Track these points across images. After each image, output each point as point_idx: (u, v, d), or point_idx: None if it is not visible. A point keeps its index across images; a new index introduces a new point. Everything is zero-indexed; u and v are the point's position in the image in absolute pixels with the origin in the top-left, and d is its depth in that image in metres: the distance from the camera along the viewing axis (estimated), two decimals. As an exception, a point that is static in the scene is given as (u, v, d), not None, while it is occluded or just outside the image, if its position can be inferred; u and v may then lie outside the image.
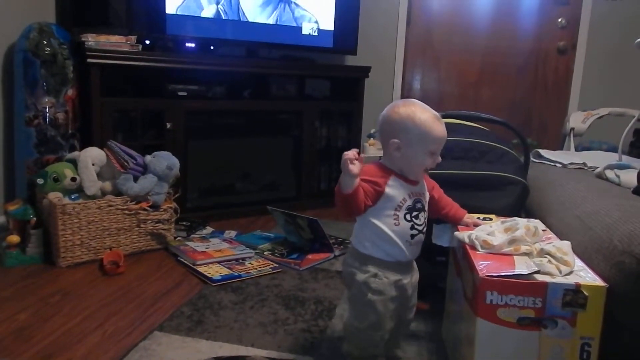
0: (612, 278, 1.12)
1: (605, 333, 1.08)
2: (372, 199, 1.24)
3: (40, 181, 2.16)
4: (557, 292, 1.07)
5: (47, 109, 2.36)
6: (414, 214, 1.28)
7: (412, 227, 1.27)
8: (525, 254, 1.17)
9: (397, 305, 1.31)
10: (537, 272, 1.09)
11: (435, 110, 1.31)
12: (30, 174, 2.35)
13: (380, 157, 3.35)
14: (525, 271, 1.09)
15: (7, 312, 1.69)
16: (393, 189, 1.26)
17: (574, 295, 1.06)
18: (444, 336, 1.56)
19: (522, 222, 1.29)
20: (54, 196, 2.11)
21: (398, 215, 1.26)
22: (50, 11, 2.67)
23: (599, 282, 1.08)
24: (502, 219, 1.40)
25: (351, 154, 1.17)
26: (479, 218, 1.43)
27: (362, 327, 1.30)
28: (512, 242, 1.20)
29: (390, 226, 1.26)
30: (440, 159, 1.29)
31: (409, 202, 1.28)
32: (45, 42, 2.33)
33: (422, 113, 1.25)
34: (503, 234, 1.25)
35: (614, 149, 2.46)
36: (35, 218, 2.14)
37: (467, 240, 1.26)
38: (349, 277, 1.32)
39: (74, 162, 2.23)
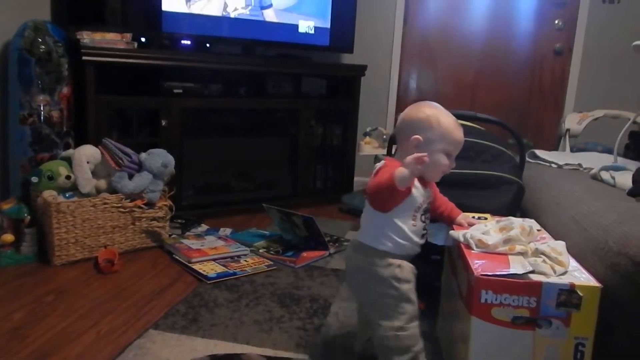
0: (607, 279, 1.13)
1: (599, 333, 1.09)
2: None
3: (34, 179, 2.15)
4: (551, 292, 1.07)
5: (42, 107, 2.35)
6: (427, 214, 1.33)
7: (424, 228, 1.32)
8: (520, 253, 1.17)
9: None
10: (532, 272, 1.09)
11: (432, 110, 1.33)
12: (24, 172, 2.34)
13: (376, 155, 3.34)
14: (520, 271, 1.09)
15: (2, 312, 1.68)
16: (416, 190, 1.28)
17: (569, 296, 1.07)
18: (439, 335, 1.57)
19: (517, 221, 1.29)
20: (49, 194, 2.11)
21: (416, 216, 1.29)
22: (45, 9, 2.65)
23: (593, 282, 1.08)
24: (497, 218, 1.41)
25: (425, 156, 1.16)
26: (473, 217, 1.43)
27: (401, 324, 1.26)
28: (507, 241, 1.21)
29: (410, 226, 1.28)
30: (454, 164, 1.32)
31: (425, 204, 1.31)
32: (40, 40, 2.32)
33: (445, 116, 1.31)
34: (498, 233, 1.26)
35: (609, 151, 2.47)
36: (29, 217, 2.13)
37: (462, 239, 1.27)
38: (367, 276, 1.29)
39: (68, 160, 2.22)
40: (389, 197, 1.21)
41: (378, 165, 1.30)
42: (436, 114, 1.29)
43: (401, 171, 1.16)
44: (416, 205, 1.28)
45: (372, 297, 1.30)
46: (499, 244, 1.20)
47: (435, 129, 1.28)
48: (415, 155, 1.14)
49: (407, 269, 1.28)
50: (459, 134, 1.30)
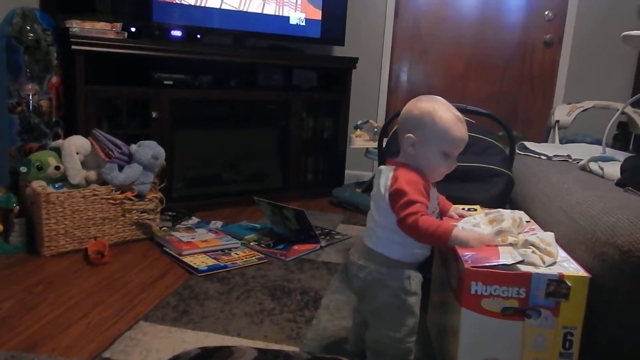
0: (595, 269, 1.14)
1: (588, 323, 1.10)
2: None
3: (23, 169, 2.14)
4: (540, 283, 1.08)
5: (31, 96, 2.33)
6: (437, 214, 1.30)
7: None
8: (510, 244, 1.18)
9: None
10: (522, 262, 1.10)
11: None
12: (13, 161, 2.32)
13: (367, 148, 3.34)
14: (510, 261, 1.10)
15: (-10, 302, 1.67)
16: (431, 193, 1.24)
17: (557, 286, 1.08)
18: (429, 326, 1.58)
19: (506, 213, 1.30)
20: (38, 185, 2.09)
21: None
22: (33, -4, 2.62)
23: (582, 272, 1.09)
24: (486, 210, 1.41)
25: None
26: (463, 209, 1.44)
27: (400, 335, 1.25)
28: (499, 233, 1.21)
29: None
30: (456, 164, 1.25)
31: (435, 204, 1.28)
32: (28, 28, 2.30)
33: (444, 112, 1.21)
34: (487, 225, 1.26)
35: (598, 142, 2.49)
36: (18, 206, 2.11)
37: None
38: (375, 285, 1.25)
39: (57, 151, 2.21)
40: (432, 241, 1.19)
41: (387, 172, 1.23)
42: (432, 111, 1.21)
43: (459, 237, 1.13)
44: (432, 208, 1.25)
45: (377, 305, 1.27)
46: (491, 235, 1.21)
47: (429, 127, 1.20)
48: (486, 240, 1.12)
49: (415, 281, 1.25)
50: (458, 132, 1.21)
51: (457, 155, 1.26)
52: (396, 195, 1.18)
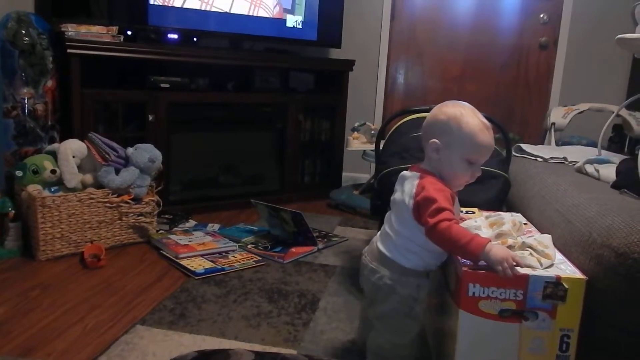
0: (591, 271, 1.14)
1: (584, 325, 1.10)
2: None
3: (19, 173, 2.13)
4: (538, 285, 1.08)
5: (26, 100, 2.32)
6: None
7: None
8: (510, 246, 1.18)
9: None
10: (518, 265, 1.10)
11: (419, 104, 1.30)
12: (8, 166, 2.31)
13: (364, 150, 3.35)
14: None
15: (-14, 306, 1.67)
16: (455, 204, 1.21)
17: (555, 288, 1.08)
18: (426, 328, 1.57)
19: (506, 216, 1.30)
20: (33, 189, 2.08)
21: None
22: (28, 0, 2.61)
23: (578, 275, 1.10)
24: (486, 213, 1.41)
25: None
26: (461, 212, 1.44)
27: (403, 341, 1.26)
28: (499, 236, 1.21)
29: None
30: (480, 172, 1.23)
31: (458, 215, 1.25)
32: (23, 32, 2.29)
33: (470, 117, 1.19)
34: (488, 228, 1.26)
35: (593, 144, 2.49)
36: (14, 211, 2.10)
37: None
38: (385, 290, 1.24)
39: (53, 155, 2.20)
40: (454, 251, 1.15)
41: (412, 179, 1.21)
42: (459, 116, 1.18)
43: (490, 255, 1.07)
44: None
45: (385, 310, 1.26)
46: (491, 238, 1.21)
47: (455, 132, 1.17)
48: (511, 264, 1.06)
49: (425, 290, 1.24)
50: (483, 138, 1.17)
51: (482, 162, 1.22)
52: (425, 202, 1.14)
